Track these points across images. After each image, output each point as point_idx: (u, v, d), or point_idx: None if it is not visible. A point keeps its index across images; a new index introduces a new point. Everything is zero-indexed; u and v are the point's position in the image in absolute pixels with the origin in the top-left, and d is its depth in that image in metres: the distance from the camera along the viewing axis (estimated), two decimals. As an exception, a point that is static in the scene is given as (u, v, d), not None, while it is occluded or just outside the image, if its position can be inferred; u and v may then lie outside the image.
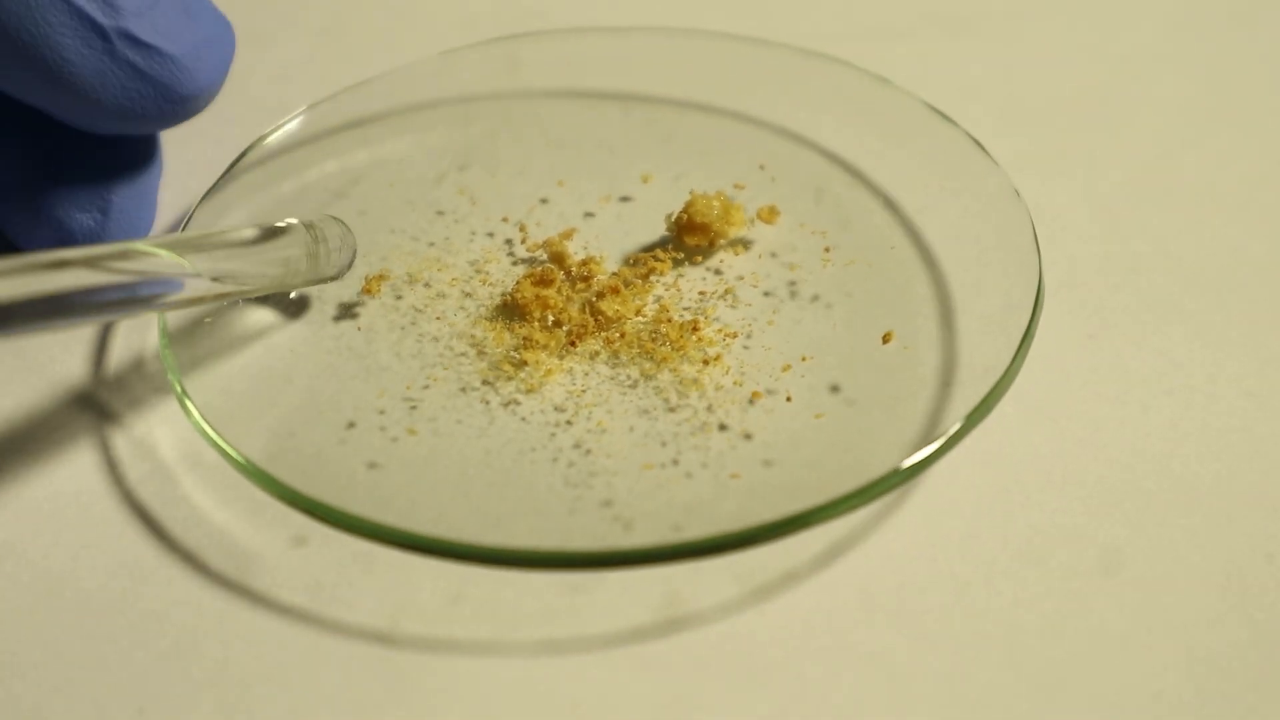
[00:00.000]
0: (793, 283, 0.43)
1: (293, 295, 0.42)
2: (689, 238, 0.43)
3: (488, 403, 0.39)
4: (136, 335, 0.42)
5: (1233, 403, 0.40)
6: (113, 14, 0.38)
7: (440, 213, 0.45)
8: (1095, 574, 0.36)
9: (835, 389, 0.39)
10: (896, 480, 0.35)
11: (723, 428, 0.38)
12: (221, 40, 0.41)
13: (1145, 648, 0.34)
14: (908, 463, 0.35)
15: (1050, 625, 0.35)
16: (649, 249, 0.44)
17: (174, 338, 0.39)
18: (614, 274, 0.43)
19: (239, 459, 0.36)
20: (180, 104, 0.40)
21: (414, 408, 0.39)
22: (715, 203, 0.43)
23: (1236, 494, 0.38)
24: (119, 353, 0.41)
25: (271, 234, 0.39)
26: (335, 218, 0.42)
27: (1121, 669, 0.34)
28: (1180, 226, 0.46)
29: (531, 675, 0.34)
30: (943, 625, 0.35)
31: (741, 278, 0.43)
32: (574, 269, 0.43)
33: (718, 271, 0.43)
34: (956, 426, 0.36)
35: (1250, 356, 0.42)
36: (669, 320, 0.41)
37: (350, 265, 0.42)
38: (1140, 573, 0.36)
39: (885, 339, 0.40)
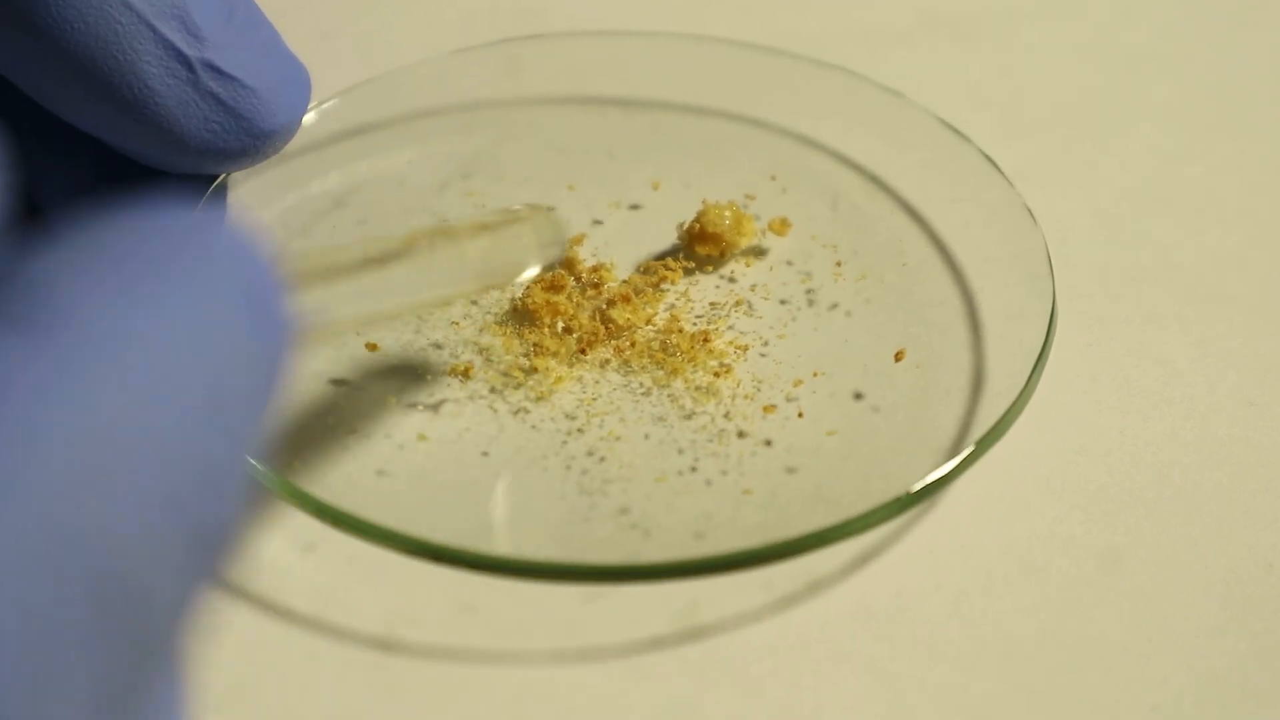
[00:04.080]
0: (810, 290, 0.43)
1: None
2: (700, 247, 0.44)
3: (496, 410, 0.39)
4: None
5: (1233, 412, 0.40)
6: (198, 45, 0.38)
7: (444, 221, 0.45)
8: (1094, 583, 0.36)
9: (859, 396, 0.40)
10: (929, 491, 0.35)
11: (742, 434, 0.39)
12: (300, 81, 0.41)
13: (1144, 658, 0.34)
14: (940, 472, 0.35)
15: (1049, 635, 0.35)
16: (659, 257, 0.44)
17: None
18: (624, 281, 0.43)
19: (252, 462, 0.36)
20: (261, 139, 0.40)
21: (419, 415, 0.39)
22: (727, 213, 0.43)
23: (1237, 503, 0.38)
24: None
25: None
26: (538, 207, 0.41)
27: (1120, 679, 0.34)
28: (1181, 235, 0.47)
29: (530, 682, 0.34)
30: (940, 634, 0.35)
31: (754, 287, 0.43)
32: (584, 275, 0.43)
33: (731, 280, 0.43)
34: (982, 435, 0.36)
35: (1251, 365, 0.42)
36: (679, 330, 0.41)
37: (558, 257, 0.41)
38: (1140, 582, 0.36)
39: (898, 357, 0.41)
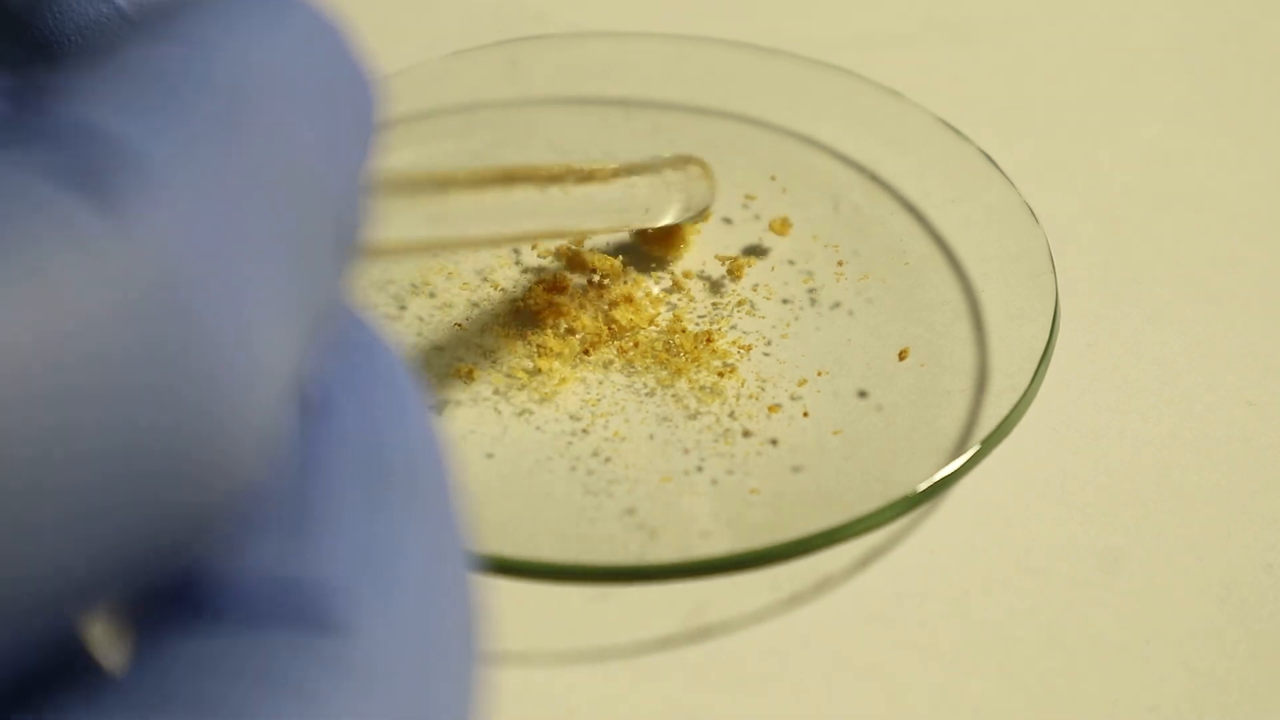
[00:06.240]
0: (812, 290, 0.43)
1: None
2: (652, 248, 0.44)
3: (500, 412, 0.39)
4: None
5: (1232, 413, 0.41)
6: None
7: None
8: (1093, 584, 0.36)
9: (863, 394, 0.40)
10: (934, 491, 0.35)
11: (747, 434, 0.39)
12: None
13: (1143, 659, 0.35)
14: (946, 471, 0.35)
15: (1048, 635, 0.35)
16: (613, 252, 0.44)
17: None
18: (626, 282, 0.43)
19: None
20: None
21: None
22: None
23: (1235, 504, 0.38)
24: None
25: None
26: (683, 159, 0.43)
27: (1119, 680, 0.34)
28: (1181, 235, 0.47)
29: (536, 683, 0.34)
30: (940, 635, 0.35)
31: (756, 287, 0.43)
32: (588, 275, 0.43)
33: (733, 279, 0.44)
34: (987, 435, 0.36)
35: (1250, 366, 0.42)
36: (683, 330, 0.41)
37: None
38: (1138, 583, 0.36)
39: (901, 356, 0.41)
